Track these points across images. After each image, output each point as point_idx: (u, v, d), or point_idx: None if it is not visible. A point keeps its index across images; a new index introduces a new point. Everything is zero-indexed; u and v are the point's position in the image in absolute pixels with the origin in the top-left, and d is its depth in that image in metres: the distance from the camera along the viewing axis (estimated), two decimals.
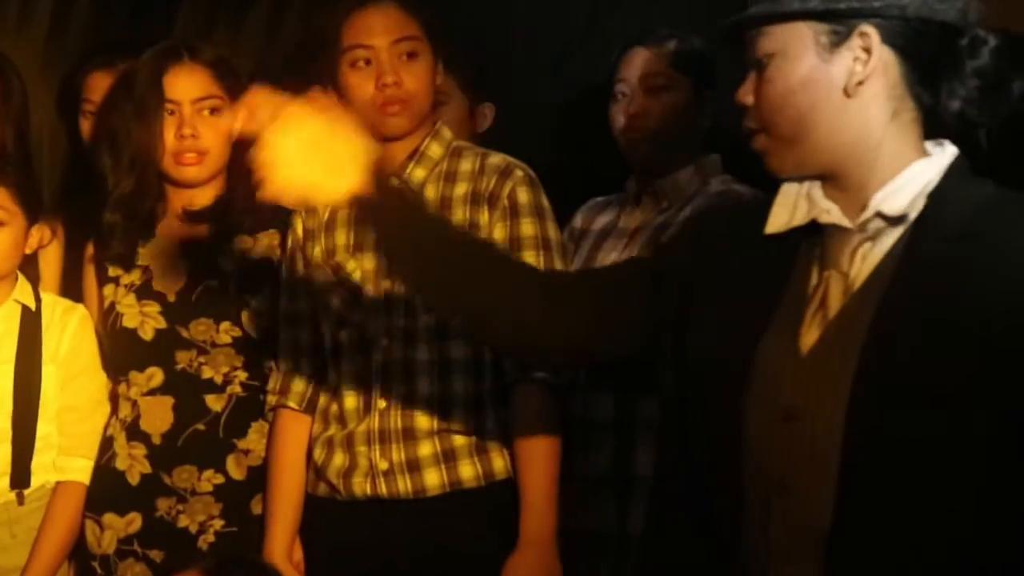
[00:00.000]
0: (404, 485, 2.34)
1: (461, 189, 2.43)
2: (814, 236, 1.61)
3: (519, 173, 2.41)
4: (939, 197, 1.55)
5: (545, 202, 2.43)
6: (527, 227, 2.39)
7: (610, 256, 2.67)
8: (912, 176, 1.56)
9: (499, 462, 2.39)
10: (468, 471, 2.36)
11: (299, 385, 2.51)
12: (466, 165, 2.46)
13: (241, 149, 2.38)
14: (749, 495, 1.60)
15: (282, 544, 2.46)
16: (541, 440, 2.37)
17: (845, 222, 1.58)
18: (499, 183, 2.41)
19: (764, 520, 1.58)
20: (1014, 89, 1.62)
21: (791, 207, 1.64)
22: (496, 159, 2.45)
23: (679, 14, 2.78)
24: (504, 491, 2.37)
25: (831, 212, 1.59)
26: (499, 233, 2.40)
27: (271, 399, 2.54)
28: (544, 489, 2.36)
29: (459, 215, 2.41)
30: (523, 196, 2.40)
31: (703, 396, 1.66)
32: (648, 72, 2.58)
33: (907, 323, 1.51)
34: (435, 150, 2.46)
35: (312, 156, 1.69)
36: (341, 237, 2.48)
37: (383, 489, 2.35)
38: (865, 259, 1.57)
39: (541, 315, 1.79)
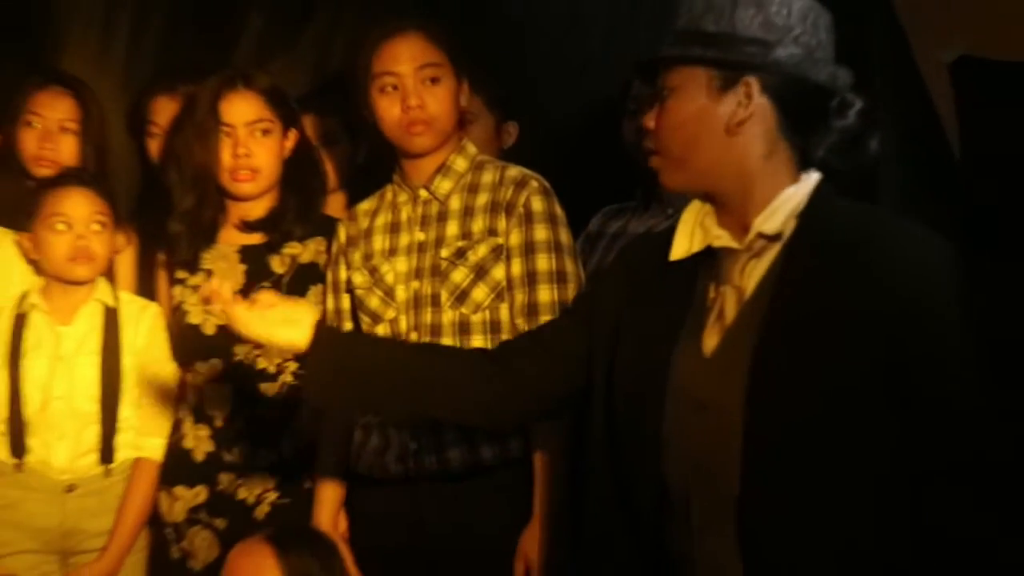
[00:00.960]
0: (430, 461, 2.49)
1: (483, 199, 2.56)
2: (710, 259, 1.82)
3: (534, 184, 2.54)
4: (807, 216, 1.75)
5: (558, 210, 2.55)
6: (540, 232, 2.51)
7: None
8: (783, 200, 1.76)
9: (514, 443, 2.51)
10: (487, 451, 2.49)
11: None
12: (487, 177, 2.58)
13: (290, 166, 2.69)
14: (671, 480, 1.79)
15: (329, 514, 2.62)
16: (550, 425, 2.45)
17: (734, 244, 1.78)
18: (516, 193, 2.54)
19: (685, 501, 1.77)
20: (871, 145, 1.81)
21: (689, 236, 1.85)
22: (514, 171, 2.58)
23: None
24: (519, 469, 2.49)
25: (722, 237, 1.79)
26: (515, 238, 2.52)
27: None
28: (554, 467, 2.47)
29: (480, 222, 2.54)
30: (537, 204, 2.52)
31: (628, 402, 1.84)
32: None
33: (790, 325, 1.70)
34: (460, 164, 2.60)
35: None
36: (377, 244, 2.63)
37: (412, 465, 2.50)
38: (752, 273, 1.78)
39: (492, 396, 1.98)
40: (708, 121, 1.78)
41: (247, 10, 3.39)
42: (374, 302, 2.58)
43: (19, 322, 2.73)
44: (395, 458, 2.51)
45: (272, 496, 2.69)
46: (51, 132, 2.92)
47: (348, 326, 2.67)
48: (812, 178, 1.79)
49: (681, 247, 1.86)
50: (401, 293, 2.58)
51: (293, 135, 2.76)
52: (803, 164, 1.82)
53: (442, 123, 2.54)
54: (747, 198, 1.79)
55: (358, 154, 3.15)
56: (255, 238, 2.76)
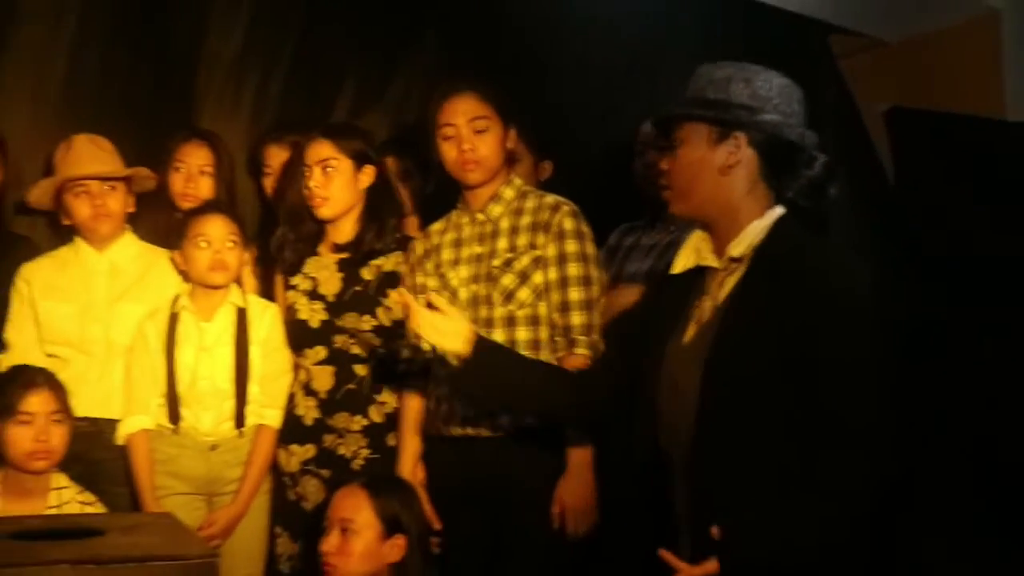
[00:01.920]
0: (484, 425, 2.75)
1: (526, 220, 2.84)
2: (699, 275, 2.11)
3: (565, 208, 2.82)
4: (763, 244, 2.03)
5: (585, 228, 2.82)
6: (570, 246, 2.79)
7: (635, 265, 3.13)
8: (750, 231, 2.05)
9: None
10: (530, 416, 2.68)
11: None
12: (530, 203, 2.86)
13: (371, 197, 3.02)
14: (661, 441, 2.07)
15: (409, 465, 2.90)
16: None
17: (716, 264, 2.08)
18: (551, 215, 2.81)
19: (669, 456, 2.06)
20: (830, 190, 2.10)
21: (687, 256, 2.15)
22: (550, 199, 2.86)
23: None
24: (557, 430, 2.72)
25: (707, 259, 2.10)
26: (551, 250, 2.78)
27: (401, 366, 2.94)
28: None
29: (524, 238, 2.81)
30: (568, 224, 2.80)
31: (639, 384, 2.11)
32: (652, 135, 3.03)
33: (735, 326, 1.99)
34: (509, 193, 2.87)
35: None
36: (445, 255, 2.90)
37: (470, 430, 2.77)
38: (723, 286, 2.07)
39: (582, 402, 2.27)
40: (707, 164, 2.04)
41: (343, 76, 3.77)
42: None
43: (173, 320, 3.01)
44: (458, 422, 2.78)
45: (365, 452, 2.98)
46: (193, 175, 3.27)
47: None
48: (775, 213, 2.05)
49: (679, 264, 2.15)
50: (463, 294, 2.84)
51: (369, 171, 3.01)
52: (777, 202, 2.07)
53: (490, 162, 2.82)
54: (731, 226, 2.04)
55: (428, 186, 3.39)
56: (347, 252, 3.03)
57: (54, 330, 3.06)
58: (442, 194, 3.11)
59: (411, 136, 3.44)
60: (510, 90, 2.90)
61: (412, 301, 2.33)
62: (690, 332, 2.09)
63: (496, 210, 2.86)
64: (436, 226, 2.98)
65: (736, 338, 1.98)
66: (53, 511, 2.76)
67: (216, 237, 3.03)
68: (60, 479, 2.84)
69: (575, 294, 2.79)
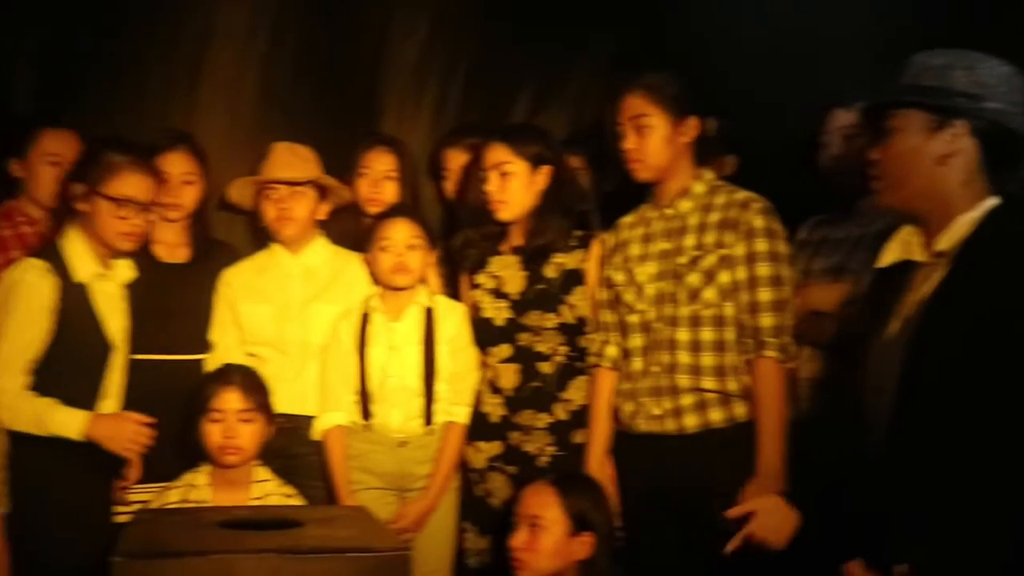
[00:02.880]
0: (671, 425, 2.77)
1: (715, 217, 2.80)
2: (907, 270, 2.07)
3: (756, 205, 2.77)
4: (971, 238, 1.96)
5: (776, 225, 2.76)
6: (760, 245, 2.74)
7: (825, 260, 3.06)
8: (960, 223, 1.98)
9: (740, 409, 2.74)
10: (717, 415, 2.75)
11: (611, 351, 2.93)
12: (720, 199, 2.82)
13: (550, 194, 3.04)
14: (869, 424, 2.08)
15: (598, 460, 2.91)
16: (772, 399, 2.69)
17: (922, 258, 2.04)
18: (741, 212, 2.77)
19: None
20: None
21: (894, 250, 2.10)
22: (741, 195, 2.81)
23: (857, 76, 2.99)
24: (746, 430, 2.72)
25: (917, 253, 2.05)
26: (740, 250, 2.74)
27: (591, 359, 2.97)
28: (774, 434, 2.68)
29: (711, 236, 2.77)
30: (758, 222, 2.75)
31: (846, 385, 2.13)
32: (843, 124, 3.03)
33: (940, 322, 1.94)
34: (699, 188, 2.85)
35: None
36: (633, 250, 2.90)
37: (656, 428, 2.79)
38: (928, 280, 2.02)
39: None
40: (922, 154, 1.99)
41: (521, 76, 3.83)
42: (629, 296, 2.86)
43: (364, 320, 3.08)
44: (644, 420, 2.81)
45: (551, 450, 3.00)
46: (378, 180, 3.36)
47: (612, 316, 2.91)
48: (986, 204, 1.98)
49: (886, 258, 2.12)
50: (650, 290, 2.84)
51: (546, 171, 3.03)
52: (995, 194, 2.00)
53: (652, 159, 2.81)
54: (942, 219, 1.99)
55: (606, 183, 3.38)
56: (530, 251, 3.07)
57: (253, 331, 3.20)
58: (620, 191, 3.13)
59: (588, 133, 3.46)
60: (688, 84, 2.88)
61: None
62: (893, 327, 2.04)
63: (685, 205, 2.85)
64: (626, 219, 2.99)
65: (938, 333, 1.93)
66: (256, 503, 2.87)
67: (398, 240, 3.09)
68: (262, 472, 2.95)
69: (765, 295, 2.75)
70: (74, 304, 2.81)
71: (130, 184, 2.86)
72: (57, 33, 3.42)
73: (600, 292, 2.98)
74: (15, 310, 2.76)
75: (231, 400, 2.90)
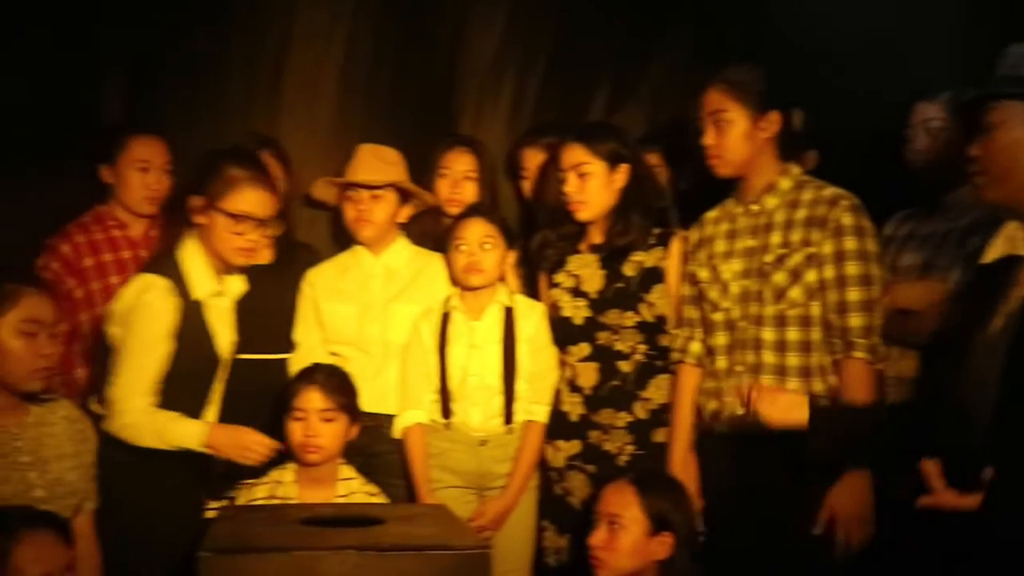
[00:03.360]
0: (751, 425, 2.53)
1: (801, 214, 2.75)
2: (1013, 266, 2.05)
3: (844, 202, 2.70)
4: None
5: (866, 223, 2.70)
6: (849, 243, 2.68)
7: (911, 256, 3.01)
8: None
9: None
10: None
11: (695, 347, 2.92)
12: (807, 195, 2.77)
13: (629, 193, 3.02)
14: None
15: (681, 459, 2.90)
16: (861, 400, 2.63)
17: None
18: (828, 209, 2.71)
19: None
20: None
21: (1000, 246, 2.07)
22: (829, 191, 2.74)
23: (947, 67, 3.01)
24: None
25: (1022, 249, 2.02)
26: (828, 248, 2.68)
27: (675, 355, 2.95)
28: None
29: (798, 234, 2.72)
30: (847, 219, 2.69)
31: (946, 382, 2.10)
32: (928, 117, 2.99)
33: None
34: (785, 184, 2.81)
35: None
36: (718, 246, 2.88)
37: (737, 426, 2.68)
38: None
39: None
40: (1023, 148, 1.96)
41: (598, 73, 3.82)
42: (713, 294, 2.85)
43: (445, 319, 3.11)
44: (725, 420, 2.79)
45: (630, 448, 3.00)
46: (458, 180, 3.39)
47: (697, 312, 2.90)
48: None
49: (991, 253, 2.11)
50: (734, 288, 2.82)
51: (624, 169, 3.02)
52: None
53: (730, 155, 2.79)
54: None
55: (682, 181, 3.39)
56: (607, 249, 3.07)
57: (336, 330, 3.23)
58: (697, 188, 3.13)
59: (667, 129, 3.47)
60: (771, 77, 2.84)
61: (750, 390, 2.39)
62: (997, 323, 2.01)
63: (771, 202, 2.82)
64: (711, 214, 2.97)
65: None
66: (341, 500, 2.91)
67: (471, 240, 3.12)
68: (347, 470, 2.99)
69: (854, 294, 2.70)
70: (191, 322, 2.83)
71: (249, 200, 2.84)
72: (142, 42, 3.51)
73: (684, 288, 2.97)
74: (140, 331, 2.76)
75: (313, 399, 2.93)
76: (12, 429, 2.53)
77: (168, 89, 3.53)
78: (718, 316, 2.84)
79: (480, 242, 3.10)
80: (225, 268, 2.93)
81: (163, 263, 2.88)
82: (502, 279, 3.22)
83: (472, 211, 3.21)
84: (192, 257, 2.87)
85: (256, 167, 2.91)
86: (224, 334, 2.93)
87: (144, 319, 2.75)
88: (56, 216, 3.36)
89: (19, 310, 2.49)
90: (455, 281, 3.20)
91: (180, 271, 2.84)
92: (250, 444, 2.77)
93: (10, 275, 2.55)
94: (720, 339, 2.84)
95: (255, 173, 2.88)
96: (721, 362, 2.83)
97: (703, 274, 2.89)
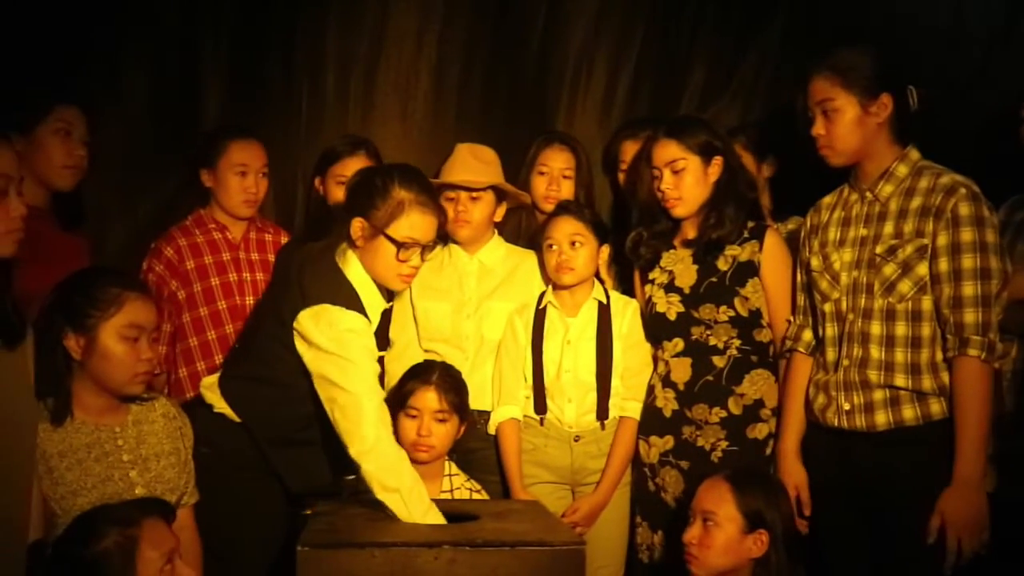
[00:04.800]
0: (860, 421, 2.69)
1: (916, 203, 2.66)
2: None
3: (962, 191, 2.60)
4: None
5: (985, 212, 2.59)
6: (966, 234, 2.58)
7: None
8: None
9: (935, 407, 2.62)
10: (909, 413, 2.65)
11: (807, 336, 2.89)
12: (923, 183, 2.67)
13: (722, 185, 2.99)
14: None
15: (790, 446, 2.86)
16: (974, 401, 2.56)
17: None
18: (944, 199, 2.61)
19: None
20: None
21: None
22: (946, 179, 2.63)
23: None
24: (941, 430, 2.60)
25: None
26: (942, 239, 2.60)
27: (787, 343, 2.91)
28: (975, 440, 2.55)
29: (911, 224, 2.64)
30: (964, 209, 2.59)
31: None
32: None
33: None
34: (902, 170, 2.72)
35: None
36: (831, 234, 2.81)
37: (845, 423, 2.72)
38: None
39: None
40: None
41: (691, 70, 3.81)
42: (823, 284, 2.79)
43: (540, 315, 3.13)
44: (833, 414, 2.74)
45: (723, 444, 2.98)
46: (555, 178, 3.41)
47: (811, 300, 2.85)
48: None
49: None
50: (844, 279, 2.75)
51: (718, 161, 2.98)
52: None
53: (841, 144, 2.72)
54: None
55: (766, 169, 3.37)
56: (702, 244, 3.04)
57: (431, 327, 3.25)
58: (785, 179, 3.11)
59: (760, 120, 3.48)
60: (881, 59, 2.74)
61: None
62: None
63: (886, 189, 2.74)
64: (827, 200, 2.91)
65: None
66: (445, 495, 2.93)
67: (561, 238, 3.12)
68: (452, 466, 3.03)
69: (969, 289, 2.61)
70: None
71: (417, 226, 2.69)
72: (238, 48, 3.59)
73: (798, 275, 2.93)
74: (359, 360, 2.58)
75: (429, 399, 2.95)
76: (114, 428, 2.58)
77: (267, 94, 3.61)
78: (828, 307, 2.79)
79: (570, 240, 3.11)
80: (385, 292, 2.81)
81: (346, 294, 2.68)
82: (597, 275, 3.20)
83: (561, 209, 3.21)
84: (365, 286, 2.73)
85: (424, 186, 2.74)
86: (375, 353, 2.76)
87: (356, 347, 2.59)
88: (159, 220, 3.46)
89: (123, 315, 2.52)
90: (547, 279, 3.21)
91: (359, 300, 2.70)
92: None
93: (114, 279, 2.57)
94: (830, 330, 2.79)
95: (424, 195, 2.70)
96: (830, 354, 2.78)
97: (815, 262, 2.83)
